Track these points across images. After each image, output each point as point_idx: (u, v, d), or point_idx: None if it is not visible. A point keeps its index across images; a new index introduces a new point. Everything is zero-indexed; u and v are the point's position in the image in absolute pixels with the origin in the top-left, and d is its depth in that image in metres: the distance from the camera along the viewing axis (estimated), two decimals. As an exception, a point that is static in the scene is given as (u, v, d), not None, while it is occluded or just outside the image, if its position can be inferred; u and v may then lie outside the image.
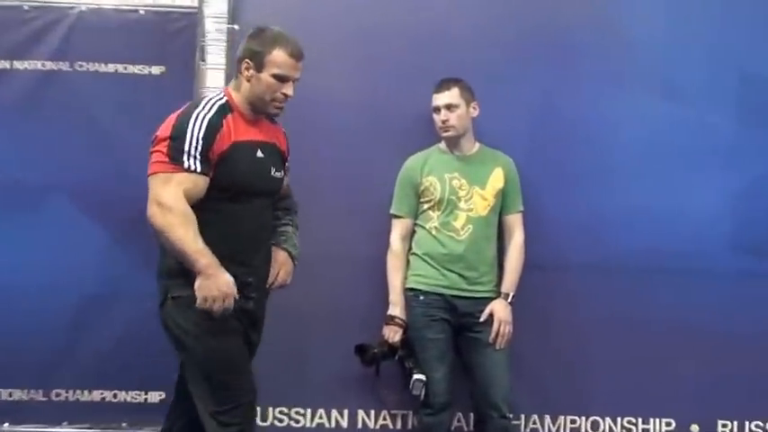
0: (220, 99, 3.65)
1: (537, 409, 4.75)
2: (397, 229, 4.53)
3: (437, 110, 4.47)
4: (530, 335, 4.60)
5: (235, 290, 3.52)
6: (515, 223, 4.58)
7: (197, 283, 3.50)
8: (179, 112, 3.61)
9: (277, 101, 3.66)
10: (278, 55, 3.61)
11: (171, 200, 3.46)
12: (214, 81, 4.68)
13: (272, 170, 3.73)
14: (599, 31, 4.75)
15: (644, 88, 4.75)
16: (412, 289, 4.46)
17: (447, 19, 4.74)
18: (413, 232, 4.53)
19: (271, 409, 4.68)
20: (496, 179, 4.54)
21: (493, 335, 4.41)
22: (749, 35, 4.78)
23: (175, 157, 3.51)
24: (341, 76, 4.68)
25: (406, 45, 4.71)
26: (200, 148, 3.51)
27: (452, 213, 4.45)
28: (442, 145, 4.54)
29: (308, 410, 4.70)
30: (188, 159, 3.51)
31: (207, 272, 3.48)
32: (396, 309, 4.46)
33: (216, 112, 3.58)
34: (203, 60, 4.71)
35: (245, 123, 3.66)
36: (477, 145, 4.57)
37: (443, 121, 4.44)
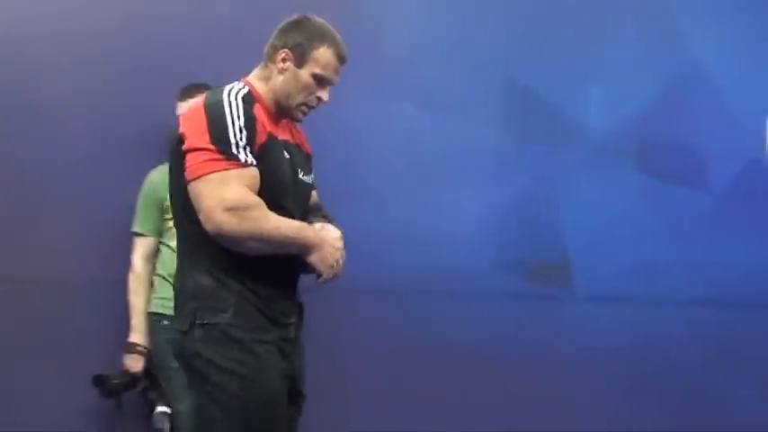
0: (242, 88, 3.02)
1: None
2: (140, 249, 4.17)
3: (182, 120, 4.13)
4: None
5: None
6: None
7: (316, 258, 2.96)
8: (200, 102, 2.99)
9: (308, 105, 3.08)
10: (325, 53, 3.04)
11: (240, 199, 2.84)
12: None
13: (300, 173, 3.13)
14: (357, 40, 4.53)
15: (405, 100, 4.55)
16: (155, 313, 4.12)
17: (196, 18, 4.43)
18: (157, 251, 4.19)
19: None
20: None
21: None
22: (515, 46, 4.67)
23: (225, 151, 2.86)
24: (75, 79, 4.30)
25: (150, 48, 4.37)
26: (245, 138, 2.89)
27: (199, 231, 4.14)
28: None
29: (43, 447, 4.28)
30: (240, 152, 2.87)
31: (317, 241, 2.96)
32: (137, 335, 4.12)
33: (244, 100, 2.97)
34: None
35: (268, 118, 3.04)
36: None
37: None
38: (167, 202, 4.01)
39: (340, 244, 3.01)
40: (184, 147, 2.90)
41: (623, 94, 4.72)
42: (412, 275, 4.52)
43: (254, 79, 3.08)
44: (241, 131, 2.88)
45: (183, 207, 2.93)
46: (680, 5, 4.77)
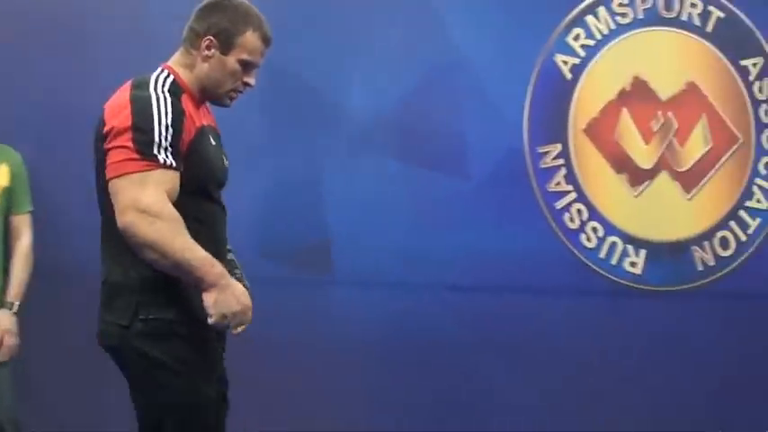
0: (167, 77, 2.91)
1: (47, 429, 4.37)
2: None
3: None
4: (39, 346, 4.28)
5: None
6: (23, 225, 4.23)
7: (211, 298, 2.77)
8: (126, 94, 2.85)
9: (236, 90, 2.99)
10: (251, 38, 2.94)
11: (156, 204, 2.72)
12: None
13: (224, 159, 3.05)
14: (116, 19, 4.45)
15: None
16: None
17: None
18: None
19: None
20: (1, 177, 4.16)
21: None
22: (278, 31, 4.62)
23: (145, 152, 2.75)
24: None
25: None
26: (170, 137, 2.78)
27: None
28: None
29: None
30: (161, 152, 2.77)
31: (221, 282, 2.78)
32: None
33: (171, 92, 2.86)
34: None
35: (194, 107, 2.95)
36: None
37: None
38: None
39: (247, 301, 2.84)
40: (107, 144, 2.79)
41: (385, 81, 4.74)
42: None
43: (178, 66, 2.96)
44: (167, 129, 2.78)
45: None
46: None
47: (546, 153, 4.86)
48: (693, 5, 4.97)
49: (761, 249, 5.00)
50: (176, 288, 2.81)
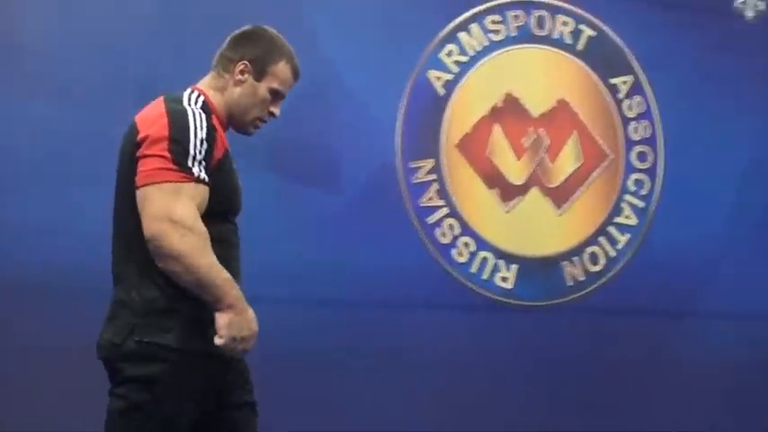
0: (198, 96, 2.91)
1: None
2: None
3: None
4: None
5: None
6: None
7: (226, 319, 2.74)
8: (161, 106, 2.83)
9: (261, 119, 3.02)
10: (284, 68, 3.01)
11: (189, 217, 2.70)
12: None
13: (240, 185, 3.00)
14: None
15: (40, 95, 4.40)
16: None
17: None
18: None
19: None
20: None
21: None
22: (150, 44, 4.59)
23: (181, 163, 2.73)
24: None
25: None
26: (203, 152, 2.76)
27: None
28: None
29: None
30: (195, 165, 2.74)
31: (239, 306, 2.75)
32: None
33: (203, 110, 2.85)
34: None
35: (222, 129, 2.93)
36: None
37: None
38: None
39: (256, 328, 2.81)
40: (140, 152, 2.75)
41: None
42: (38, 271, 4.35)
43: (208, 89, 2.97)
44: (202, 144, 2.76)
45: (137, 214, 2.75)
46: (313, 5, 4.80)
47: (418, 168, 4.88)
48: (565, 24, 5.05)
49: (630, 265, 5.08)
50: (175, 315, 2.78)
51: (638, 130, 5.13)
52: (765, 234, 5.29)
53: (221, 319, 2.75)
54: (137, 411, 2.78)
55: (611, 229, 5.10)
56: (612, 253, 5.10)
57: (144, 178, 2.74)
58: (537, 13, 5.02)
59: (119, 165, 2.86)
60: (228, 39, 3.04)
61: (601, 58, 5.09)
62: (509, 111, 4.97)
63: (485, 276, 4.95)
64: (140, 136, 2.78)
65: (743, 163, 5.33)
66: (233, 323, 2.75)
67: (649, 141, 5.15)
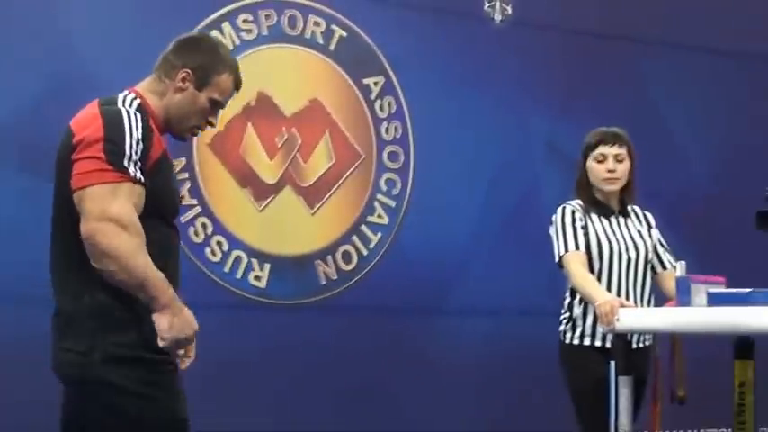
0: (134, 98, 2.88)
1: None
2: None
3: None
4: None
5: None
6: None
7: (165, 321, 2.72)
8: (95, 109, 2.81)
9: (198, 127, 3.01)
10: (226, 80, 2.98)
11: (126, 216, 2.68)
12: None
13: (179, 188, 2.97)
14: None
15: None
16: None
17: None
18: None
19: None
20: None
21: None
22: None
23: (117, 163, 2.70)
24: None
25: None
26: (139, 152, 2.75)
27: None
28: None
29: None
30: (131, 166, 2.72)
31: (175, 306, 2.73)
32: None
33: (139, 111, 2.82)
34: None
35: (158, 132, 2.90)
36: None
37: None
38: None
39: (196, 326, 2.79)
40: (74, 155, 2.74)
41: (5, 94, 4.60)
42: None
43: (146, 92, 2.95)
44: (138, 144, 2.76)
45: (76, 219, 2.73)
46: (66, 5, 4.73)
47: (171, 167, 4.85)
48: (317, 24, 5.13)
49: (382, 263, 5.19)
50: (130, 312, 2.76)
51: (389, 131, 5.26)
52: (512, 233, 5.49)
53: (160, 320, 2.75)
54: (133, 418, 2.77)
55: (364, 228, 5.20)
56: (365, 252, 5.20)
57: (80, 180, 2.74)
58: (289, 12, 5.07)
59: (57, 172, 2.83)
60: (174, 43, 3.03)
61: (353, 59, 5.19)
62: (262, 110, 5.01)
63: (238, 275, 4.97)
64: (75, 139, 2.77)
65: (491, 164, 5.52)
66: (173, 324, 2.76)
67: (400, 141, 5.28)
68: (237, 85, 3.07)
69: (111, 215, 2.70)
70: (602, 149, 4.14)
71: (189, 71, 2.96)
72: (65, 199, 2.78)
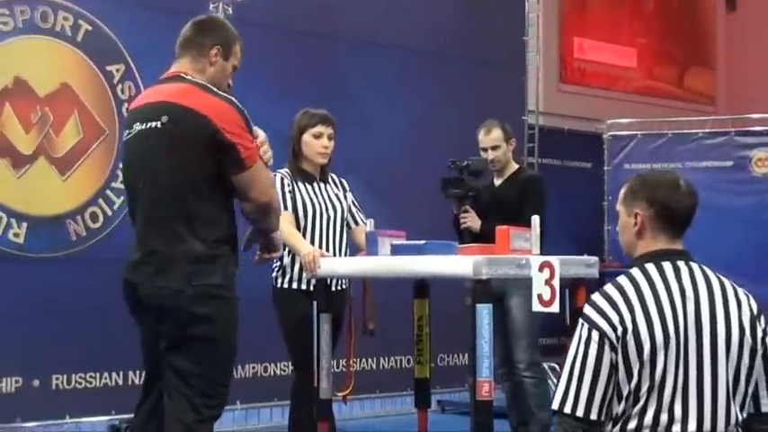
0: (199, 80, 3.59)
1: None
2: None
3: None
4: None
5: None
6: None
7: (277, 237, 3.84)
8: (216, 97, 3.51)
9: (228, 90, 3.64)
10: (239, 49, 3.67)
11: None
12: None
13: None
14: None
15: None
16: None
17: None
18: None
19: None
20: None
21: None
22: None
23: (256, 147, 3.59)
24: None
25: None
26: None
27: None
28: None
29: None
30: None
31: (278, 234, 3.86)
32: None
33: None
34: None
35: None
36: None
37: None
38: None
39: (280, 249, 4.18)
40: (228, 139, 3.41)
41: None
42: None
43: (193, 72, 3.58)
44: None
45: (193, 182, 3.41)
46: None
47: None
48: (66, 19, 5.87)
49: (124, 222, 5.92)
50: (219, 261, 3.46)
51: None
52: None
53: (276, 236, 3.86)
54: (214, 343, 3.45)
55: (109, 192, 5.99)
56: (110, 212, 5.99)
57: (253, 157, 3.49)
58: (41, 8, 5.79)
59: (169, 148, 3.46)
60: (193, 28, 3.66)
61: (97, 49, 5.97)
62: (18, 91, 5.71)
63: (-1, 233, 5.64)
64: (219, 125, 3.41)
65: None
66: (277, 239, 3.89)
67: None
68: (243, 51, 3.74)
69: (272, 189, 3.72)
70: (319, 128, 4.80)
71: (219, 46, 3.63)
72: (186, 166, 3.44)
